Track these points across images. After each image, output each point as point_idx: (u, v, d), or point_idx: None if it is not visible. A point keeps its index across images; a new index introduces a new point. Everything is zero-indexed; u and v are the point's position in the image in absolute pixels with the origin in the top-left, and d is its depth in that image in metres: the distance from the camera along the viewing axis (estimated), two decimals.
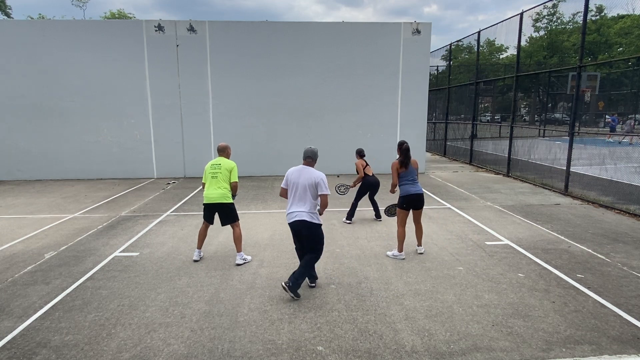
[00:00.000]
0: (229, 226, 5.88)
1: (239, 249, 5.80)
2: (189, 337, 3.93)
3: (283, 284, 4.60)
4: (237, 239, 5.78)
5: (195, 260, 5.87)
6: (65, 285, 5.09)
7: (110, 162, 13.00)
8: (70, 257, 6.07)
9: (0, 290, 4.99)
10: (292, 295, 4.60)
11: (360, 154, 7.99)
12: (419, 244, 6.13)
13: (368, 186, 7.85)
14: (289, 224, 4.78)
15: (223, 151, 5.83)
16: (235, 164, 5.76)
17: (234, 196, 5.80)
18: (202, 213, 5.87)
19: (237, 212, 5.89)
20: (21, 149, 12.79)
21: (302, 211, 4.63)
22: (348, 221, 7.83)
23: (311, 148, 4.84)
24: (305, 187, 4.64)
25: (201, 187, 5.92)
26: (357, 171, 7.86)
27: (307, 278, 4.95)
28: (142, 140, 13.00)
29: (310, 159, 4.80)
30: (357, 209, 7.89)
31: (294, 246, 5.09)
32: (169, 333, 3.99)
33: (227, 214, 5.75)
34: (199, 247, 5.96)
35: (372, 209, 8.07)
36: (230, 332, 4.01)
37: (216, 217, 5.84)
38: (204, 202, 5.74)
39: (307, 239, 4.74)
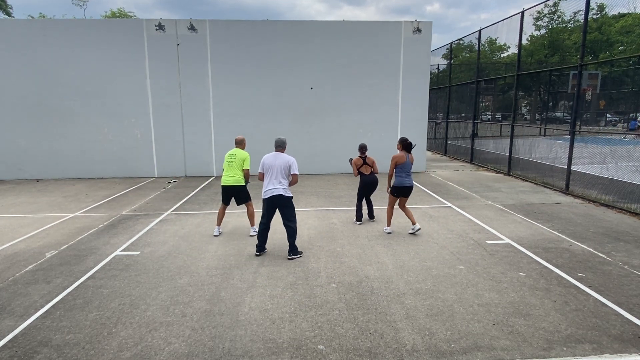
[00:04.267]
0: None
1: (252, 224, 7.00)
2: (190, 335, 3.93)
3: (289, 258, 5.83)
4: (251, 215, 6.98)
5: (215, 236, 6.91)
6: (66, 284, 5.09)
7: (111, 161, 13.01)
8: (71, 256, 6.08)
9: (2, 289, 5.00)
10: (299, 254, 5.95)
11: (360, 150, 7.73)
12: (413, 223, 6.99)
13: (363, 185, 7.67)
14: (268, 198, 5.80)
15: (240, 143, 6.90)
16: (248, 155, 6.77)
17: (246, 182, 6.80)
18: (221, 197, 6.94)
19: (240, 209, 6.57)
20: (22, 148, 12.80)
21: (278, 187, 5.76)
22: (358, 222, 7.72)
23: (281, 138, 6.09)
24: (280, 169, 5.80)
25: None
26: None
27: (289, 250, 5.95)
28: (142, 139, 13.01)
29: (280, 147, 6.02)
30: (362, 207, 7.82)
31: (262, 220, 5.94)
32: (170, 332, 4.00)
33: (240, 195, 6.82)
34: (218, 224, 7.01)
35: (376, 207, 7.95)
36: (231, 331, 4.02)
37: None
38: (221, 184, 6.83)
39: (283, 209, 5.86)
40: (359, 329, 4.02)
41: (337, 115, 13.32)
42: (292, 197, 5.91)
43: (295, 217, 5.98)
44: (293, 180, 5.91)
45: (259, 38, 12.77)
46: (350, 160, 7.80)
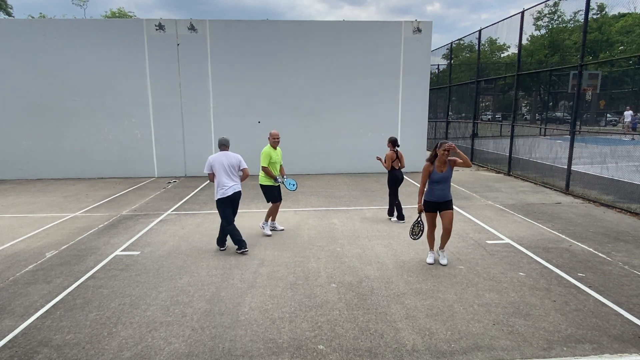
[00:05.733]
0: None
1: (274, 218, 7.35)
2: (190, 335, 3.93)
3: (239, 252, 6.10)
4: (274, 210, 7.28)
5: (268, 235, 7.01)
6: (67, 284, 5.09)
7: (111, 161, 13.02)
8: (71, 256, 6.08)
9: (2, 289, 5.00)
10: (245, 249, 6.14)
11: (393, 143, 7.62)
12: (441, 247, 5.81)
13: (396, 180, 7.63)
14: (230, 195, 6.02)
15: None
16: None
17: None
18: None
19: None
20: (22, 148, 12.81)
21: (237, 184, 6.16)
22: (395, 219, 7.73)
23: (224, 137, 6.31)
24: (232, 166, 6.09)
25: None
26: (384, 160, 7.64)
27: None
28: (142, 139, 13.01)
29: (225, 146, 6.23)
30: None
31: (227, 219, 6.11)
32: (170, 332, 4.00)
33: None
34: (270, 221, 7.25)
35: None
36: (231, 330, 4.02)
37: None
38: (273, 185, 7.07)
39: (236, 204, 6.28)
40: (359, 329, 4.02)
41: (337, 115, 13.32)
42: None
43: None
44: (244, 174, 6.24)
45: (259, 38, 12.77)
46: (383, 158, 7.66)
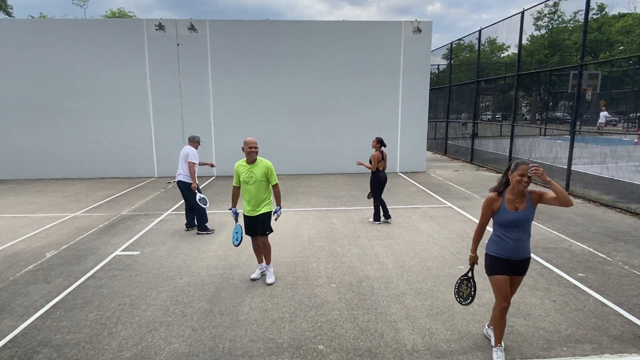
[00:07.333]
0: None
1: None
2: (190, 335, 3.93)
3: (199, 232, 7.06)
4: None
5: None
6: (67, 284, 5.09)
7: (111, 161, 13.01)
8: (71, 256, 6.08)
9: (2, 289, 5.00)
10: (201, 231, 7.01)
11: (381, 143, 7.41)
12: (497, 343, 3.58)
13: (381, 182, 7.44)
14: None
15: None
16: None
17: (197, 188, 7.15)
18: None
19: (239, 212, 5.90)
20: (22, 148, 12.80)
21: (180, 174, 7.05)
22: (378, 222, 7.60)
23: (192, 134, 7.33)
24: (182, 158, 7.00)
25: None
26: (369, 161, 7.41)
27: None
28: (143, 139, 13.01)
29: (189, 140, 7.15)
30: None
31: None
32: (170, 332, 4.00)
33: None
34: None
35: (374, 207, 7.67)
36: (231, 330, 4.02)
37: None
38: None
39: (185, 194, 7.09)
40: (359, 329, 4.02)
41: (337, 115, 13.32)
42: (191, 184, 7.00)
43: (191, 201, 7.09)
44: (189, 168, 6.91)
45: (259, 38, 12.77)
46: (370, 161, 7.46)
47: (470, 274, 3.77)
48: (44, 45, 12.36)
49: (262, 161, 4.98)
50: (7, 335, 3.97)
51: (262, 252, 5.21)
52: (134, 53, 12.55)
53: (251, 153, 4.91)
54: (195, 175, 7.05)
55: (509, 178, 3.37)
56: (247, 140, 4.94)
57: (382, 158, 7.42)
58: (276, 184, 5.04)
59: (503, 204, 3.38)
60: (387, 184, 7.72)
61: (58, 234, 7.21)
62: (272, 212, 5.06)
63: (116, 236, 7.03)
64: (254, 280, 5.16)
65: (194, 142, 7.24)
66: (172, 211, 8.70)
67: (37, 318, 4.28)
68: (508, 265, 3.42)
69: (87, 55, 12.45)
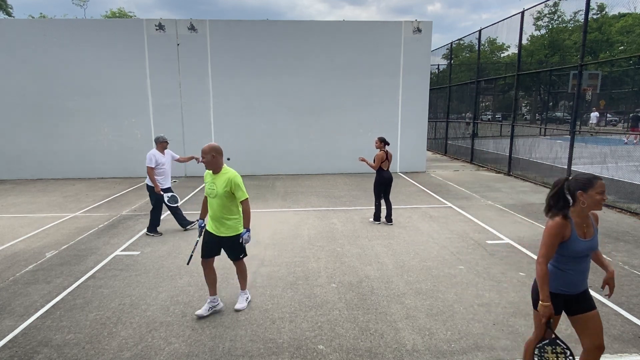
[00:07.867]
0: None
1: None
2: (190, 335, 3.93)
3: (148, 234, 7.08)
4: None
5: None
6: (67, 284, 5.09)
7: (111, 161, 13.01)
8: (71, 256, 6.08)
9: (2, 289, 5.00)
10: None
11: (384, 142, 7.36)
12: None
13: (384, 182, 7.41)
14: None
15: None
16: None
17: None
18: None
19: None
20: (22, 148, 12.80)
21: (147, 178, 7.18)
22: (377, 222, 7.58)
23: (158, 135, 7.30)
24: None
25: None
26: (373, 160, 7.41)
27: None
28: (142, 139, 13.00)
29: (154, 142, 7.26)
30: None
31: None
32: (170, 332, 4.00)
33: None
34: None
35: (375, 206, 7.64)
36: (231, 330, 4.02)
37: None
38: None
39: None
40: (359, 329, 4.02)
41: (337, 115, 13.32)
42: (153, 187, 7.03)
43: (152, 204, 7.15)
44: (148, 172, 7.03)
45: (259, 38, 12.77)
46: (374, 160, 7.45)
47: (553, 335, 2.77)
48: (44, 45, 12.36)
49: (228, 172, 4.13)
50: (7, 335, 3.97)
51: (238, 276, 4.46)
52: (134, 53, 12.55)
53: (207, 163, 4.09)
54: (155, 178, 7.01)
55: (579, 198, 2.67)
56: (203, 148, 4.11)
57: (387, 158, 7.42)
58: (245, 200, 4.14)
59: (573, 231, 2.69)
60: None
61: (58, 234, 7.21)
62: (239, 236, 4.19)
63: (116, 236, 7.03)
64: (199, 317, 4.18)
65: (160, 142, 7.12)
66: None
67: (37, 318, 4.28)
68: (564, 301, 2.83)
69: (87, 55, 12.46)
